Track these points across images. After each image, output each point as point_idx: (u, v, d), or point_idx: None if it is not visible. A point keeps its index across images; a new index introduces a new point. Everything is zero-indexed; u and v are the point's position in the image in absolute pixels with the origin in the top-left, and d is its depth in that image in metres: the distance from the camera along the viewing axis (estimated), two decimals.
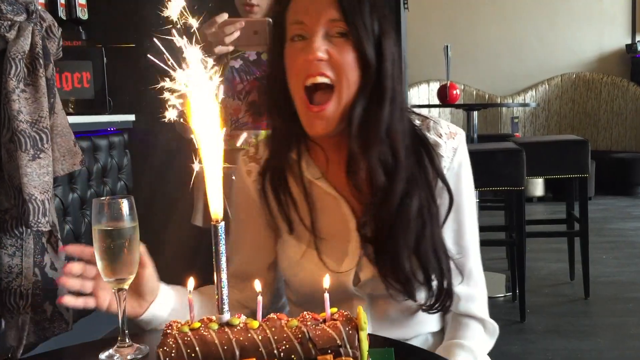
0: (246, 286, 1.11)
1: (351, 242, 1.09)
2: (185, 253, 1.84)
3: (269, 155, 1.13)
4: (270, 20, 1.60)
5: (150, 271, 1.04)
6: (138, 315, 1.06)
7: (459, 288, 1.12)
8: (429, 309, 1.10)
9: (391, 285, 1.06)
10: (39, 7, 1.19)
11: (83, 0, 3.27)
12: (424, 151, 1.09)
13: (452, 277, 1.09)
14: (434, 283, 1.07)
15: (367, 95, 1.03)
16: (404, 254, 1.04)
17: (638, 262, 4.01)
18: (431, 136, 1.11)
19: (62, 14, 3.18)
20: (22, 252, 1.18)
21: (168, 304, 1.08)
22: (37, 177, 1.10)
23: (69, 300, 1.01)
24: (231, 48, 1.56)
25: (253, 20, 1.60)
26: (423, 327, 1.17)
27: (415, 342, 1.16)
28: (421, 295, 1.08)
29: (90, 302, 1.02)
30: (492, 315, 1.20)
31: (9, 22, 1.12)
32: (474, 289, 1.15)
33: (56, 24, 1.20)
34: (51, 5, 3.16)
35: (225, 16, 1.54)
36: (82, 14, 3.25)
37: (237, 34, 1.54)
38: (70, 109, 3.07)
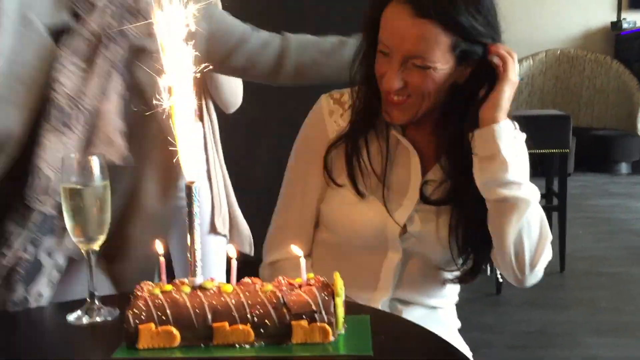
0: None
1: (409, 197, 1.13)
2: None
3: (354, 118, 1.15)
4: None
5: None
6: None
7: None
8: (454, 280, 1.17)
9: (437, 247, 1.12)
10: None
11: None
12: None
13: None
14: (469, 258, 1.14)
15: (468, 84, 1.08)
16: (455, 223, 1.10)
17: (613, 238, 4.07)
18: None
19: None
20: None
21: None
22: (52, 153, 1.05)
23: None
24: None
25: None
26: (435, 299, 1.21)
27: (418, 312, 1.18)
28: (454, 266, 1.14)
29: None
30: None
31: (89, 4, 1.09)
32: None
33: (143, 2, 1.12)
34: None
35: None
36: None
37: None
38: None
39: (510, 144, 1.05)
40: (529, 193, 1.07)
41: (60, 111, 1.07)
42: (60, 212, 0.95)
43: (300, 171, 1.20)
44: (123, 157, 1.10)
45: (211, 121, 1.78)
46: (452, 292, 1.24)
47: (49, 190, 1.06)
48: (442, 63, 1.03)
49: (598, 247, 3.88)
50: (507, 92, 1.05)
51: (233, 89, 1.76)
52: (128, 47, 1.12)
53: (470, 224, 1.10)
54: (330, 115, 1.18)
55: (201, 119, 1.75)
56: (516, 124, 1.11)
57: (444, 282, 1.19)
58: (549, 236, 1.09)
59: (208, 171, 1.76)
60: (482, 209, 1.08)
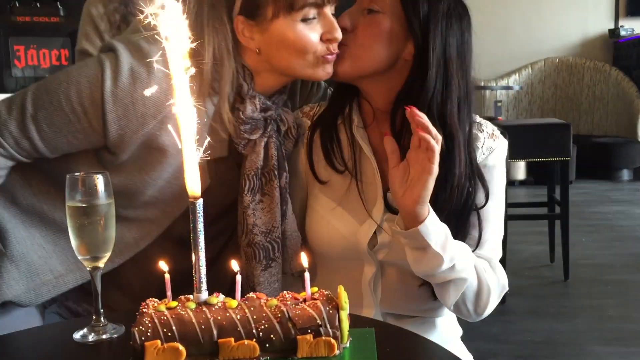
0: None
1: (376, 207, 1.13)
2: None
3: (326, 107, 1.19)
4: None
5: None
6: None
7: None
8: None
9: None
10: (281, 112, 1.16)
11: None
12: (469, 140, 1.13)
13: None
14: None
15: (411, 70, 1.08)
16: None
17: (617, 245, 4.06)
18: (473, 129, 1.15)
19: None
20: None
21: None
22: (268, 284, 1.15)
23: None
24: None
25: None
26: (424, 310, 1.19)
27: (411, 323, 1.17)
28: None
29: None
30: None
31: (245, 141, 1.12)
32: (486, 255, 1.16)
33: (296, 125, 1.19)
34: None
35: None
36: None
37: None
38: None
39: (438, 234, 1.02)
40: (464, 268, 1.05)
41: (263, 249, 1.14)
42: None
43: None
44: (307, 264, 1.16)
45: None
46: (434, 305, 1.20)
47: None
48: (389, 14, 1.06)
49: (602, 254, 3.87)
50: (431, 185, 0.99)
51: None
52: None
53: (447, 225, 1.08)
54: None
55: None
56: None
57: (428, 289, 1.15)
58: (492, 291, 1.10)
59: None
60: (450, 206, 1.08)
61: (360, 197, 1.13)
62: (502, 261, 3.23)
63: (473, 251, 1.11)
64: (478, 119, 1.19)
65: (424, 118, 0.96)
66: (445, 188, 1.06)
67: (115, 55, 1.03)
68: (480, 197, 1.12)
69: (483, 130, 1.16)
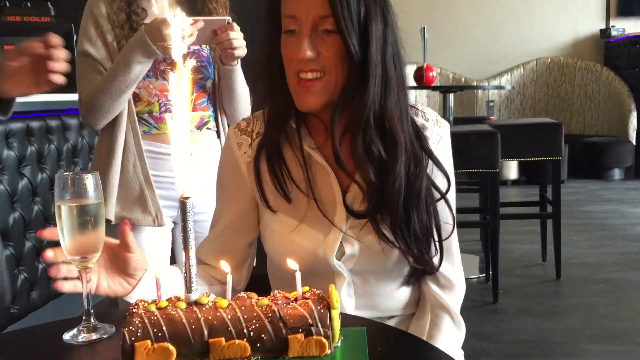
0: (221, 258, 1.12)
1: (337, 215, 1.11)
2: None
3: (267, 127, 1.14)
4: (230, 18, 1.57)
5: (136, 253, 1.01)
6: (127, 294, 1.03)
7: (444, 266, 1.14)
8: (408, 281, 1.14)
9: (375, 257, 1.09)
10: None
11: None
12: (414, 132, 1.12)
13: (437, 252, 1.12)
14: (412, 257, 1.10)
15: (356, 79, 1.05)
16: (394, 228, 1.07)
17: (608, 244, 4.08)
18: (419, 119, 1.14)
19: None
20: None
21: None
22: None
23: (61, 286, 0.97)
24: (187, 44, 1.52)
25: (212, 20, 1.57)
26: (399, 309, 1.18)
27: (391, 323, 1.17)
28: (404, 270, 1.13)
29: (78, 286, 0.97)
30: (465, 296, 1.21)
31: None
32: (454, 272, 1.17)
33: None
34: None
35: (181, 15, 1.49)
36: None
37: (195, 34, 1.50)
38: None
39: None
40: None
41: None
42: None
43: (218, 209, 1.20)
44: None
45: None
46: (407, 303, 1.19)
47: None
48: (350, 27, 1.01)
49: (593, 253, 3.89)
50: None
51: (247, 105, 1.78)
52: None
53: (407, 221, 1.07)
54: (239, 148, 1.16)
55: (218, 136, 1.77)
56: None
57: (407, 283, 1.15)
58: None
59: None
60: (412, 199, 1.07)
61: (322, 212, 1.09)
62: (495, 260, 3.25)
63: (445, 238, 1.12)
64: (415, 104, 1.17)
65: None
66: (392, 191, 1.06)
67: None
68: (441, 183, 1.12)
69: (428, 118, 1.15)
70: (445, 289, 1.16)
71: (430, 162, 1.12)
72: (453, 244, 1.17)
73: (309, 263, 1.08)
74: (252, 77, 1.18)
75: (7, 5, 3.09)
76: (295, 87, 1.07)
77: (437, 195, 1.12)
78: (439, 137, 1.15)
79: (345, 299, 1.13)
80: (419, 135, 1.12)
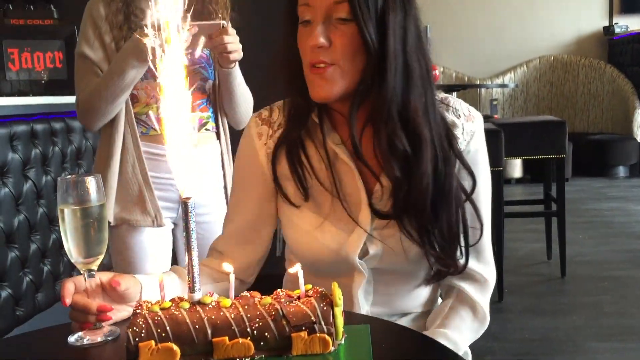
0: (243, 251, 1.14)
1: (361, 214, 1.08)
2: None
3: (287, 122, 1.11)
4: (225, 22, 1.56)
5: (128, 288, 0.98)
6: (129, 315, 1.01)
7: (471, 263, 1.12)
8: (429, 281, 1.12)
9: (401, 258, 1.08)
10: None
11: None
12: (444, 130, 1.08)
13: (463, 255, 1.10)
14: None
15: (372, 72, 1.02)
16: (420, 230, 1.05)
17: (613, 242, 4.07)
18: (449, 116, 1.10)
19: None
20: None
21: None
22: None
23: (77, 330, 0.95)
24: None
25: (207, 24, 1.56)
26: (416, 306, 1.18)
27: (405, 319, 1.17)
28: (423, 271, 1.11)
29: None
30: None
31: None
32: (484, 269, 1.15)
33: None
34: None
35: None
36: None
37: (190, 39, 1.49)
38: (42, 90, 3.01)
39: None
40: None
41: None
42: None
43: (236, 199, 1.18)
44: None
45: (227, 138, 1.81)
46: (426, 301, 1.19)
47: None
48: (366, 15, 0.99)
49: (599, 251, 3.88)
50: None
51: (247, 106, 1.78)
52: None
53: (434, 222, 1.05)
54: (259, 138, 1.13)
55: (218, 137, 1.78)
56: None
57: (428, 283, 1.13)
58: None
59: (225, 187, 1.83)
60: (440, 199, 1.04)
61: (346, 211, 1.07)
62: (499, 259, 3.25)
63: (473, 244, 1.10)
64: (447, 98, 1.12)
65: None
66: (419, 189, 1.03)
67: None
68: (467, 185, 1.09)
69: (460, 114, 1.11)
70: (474, 283, 1.14)
71: (458, 162, 1.08)
72: (483, 243, 1.13)
73: (330, 261, 1.08)
74: (272, 72, 1.15)
75: (10, 8, 3.10)
76: (308, 76, 1.04)
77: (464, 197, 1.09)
78: (471, 134, 1.10)
79: (363, 296, 1.12)
80: (448, 134, 1.08)
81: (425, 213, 1.04)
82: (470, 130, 1.11)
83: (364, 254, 1.09)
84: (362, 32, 1.00)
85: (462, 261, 1.10)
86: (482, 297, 1.14)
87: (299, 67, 1.07)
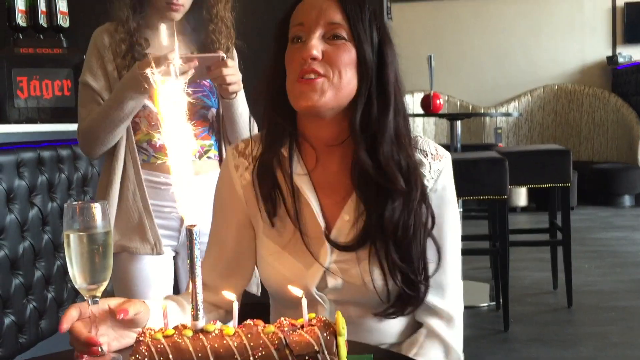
0: (226, 283, 1.12)
1: (322, 248, 1.09)
2: None
3: (262, 150, 1.14)
4: (224, 55, 1.59)
5: (139, 312, 0.97)
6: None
7: (435, 300, 1.11)
8: (391, 314, 1.10)
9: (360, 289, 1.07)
10: None
11: (64, 8, 3.24)
12: (413, 166, 1.09)
13: (423, 289, 1.09)
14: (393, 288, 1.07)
15: (367, 99, 1.05)
16: (381, 263, 1.05)
17: (620, 271, 4.04)
18: (417, 155, 1.12)
19: (43, 21, 3.15)
20: None
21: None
22: None
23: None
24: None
25: (207, 56, 1.57)
26: (385, 337, 1.15)
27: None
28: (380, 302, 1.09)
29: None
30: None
31: None
32: (448, 305, 1.12)
33: None
34: (32, 13, 3.13)
35: (174, 51, 1.49)
36: (64, 21, 3.22)
37: (191, 72, 1.51)
38: (50, 117, 3.04)
39: None
40: None
41: None
42: None
43: (215, 230, 1.19)
44: None
45: None
46: (394, 331, 1.15)
47: None
48: (364, 39, 1.03)
49: (605, 280, 3.85)
50: None
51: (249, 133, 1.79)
52: None
53: (394, 257, 1.05)
54: (236, 170, 1.16)
55: (220, 164, 1.79)
56: None
57: (390, 316, 1.11)
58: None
59: None
60: (402, 236, 1.05)
61: (305, 244, 1.08)
62: (505, 288, 3.21)
63: (431, 276, 1.09)
64: (415, 138, 1.14)
65: None
66: (385, 222, 1.04)
67: None
68: (430, 221, 1.09)
69: (427, 154, 1.12)
70: (440, 319, 1.12)
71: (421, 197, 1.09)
72: (447, 279, 1.12)
73: (288, 292, 1.07)
74: (254, 96, 1.19)
75: (21, 37, 3.15)
76: (295, 86, 1.04)
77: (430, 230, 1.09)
78: (438, 173, 1.12)
79: None
80: (416, 170, 1.09)
81: (388, 246, 1.04)
82: (437, 168, 1.12)
83: (323, 286, 1.09)
84: (362, 53, 1.04)
85: (423, 293, 1.09)
86: (450, 331, 1.12)
87: (283, 86, 1.08)
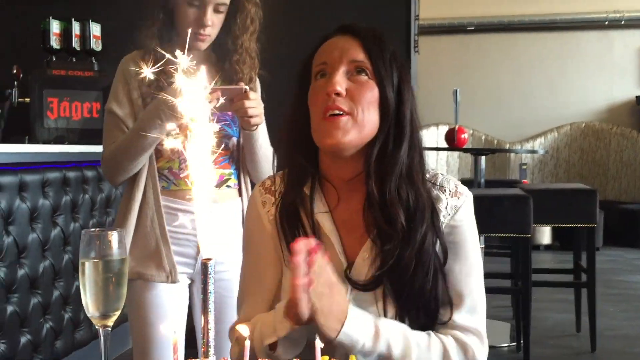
0: None
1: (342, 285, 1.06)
2: None
3: (284, 189, 1.15)
4: (247, 87, 1.59)
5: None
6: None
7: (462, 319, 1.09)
8: None
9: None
10: None
11: (97, 32, 3.32)
12: (429, 202, 1.09)
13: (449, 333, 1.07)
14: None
15: (386, 136, 1.07)
16: (399, 300, 1.04)
17: None
18: (434, 190, 1.12)
19: (76, 44, 3.23)
20: None
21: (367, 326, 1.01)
22: None
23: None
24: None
25: (230, 88, 1.58)
26: None
27: None
28: None
29: None
30: None
31: None
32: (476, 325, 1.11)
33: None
34: (66, 36, 3.21)
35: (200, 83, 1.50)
36: (96, 45, 3.30)
37: (214, 104, 1.51)
38: (77, 138, 3.08)
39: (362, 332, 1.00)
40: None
41: None
42: None
43: (250, 266, 1.19)
44: None
45: (248, 195, 1.82)
46: None
47: None
48: (383, 72, 1.05)
49: (631, 325, 3.74)
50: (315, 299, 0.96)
51: (269, 166, 1.79)
52: None
53: (411, 300, 1.04)
54: (263, 206, 1.17)
55: (240, 193, 1.79)
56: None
57: None
58: None
59: None
60: (420, 277, 1.04)
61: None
62: (526, 329, 3.15)
63: (449, 319, 1.07)
64: (435, 175, 1.14)
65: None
66: (406, 259, 1.04)
67: None
68: (439, 258, 1.08)
69: (445, 189, 1.11)
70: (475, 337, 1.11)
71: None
72: (475, 318, 1.10)
73: (306, 333, 1.04)
74: (277, 137, 1.19)
75: (54, 59, 3.22)
76: (321, 124, 1.06)
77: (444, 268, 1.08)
78: (455, 209, 1.10)
79: None
80: (432, 207, 1.09)
81: (398, 285, 1.04)
82: (454, 205, 1.11)
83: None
84: (384, 91, 1.06)
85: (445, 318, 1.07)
86: (482, 348, 1.12)
87: (305, 126, 1.09)
